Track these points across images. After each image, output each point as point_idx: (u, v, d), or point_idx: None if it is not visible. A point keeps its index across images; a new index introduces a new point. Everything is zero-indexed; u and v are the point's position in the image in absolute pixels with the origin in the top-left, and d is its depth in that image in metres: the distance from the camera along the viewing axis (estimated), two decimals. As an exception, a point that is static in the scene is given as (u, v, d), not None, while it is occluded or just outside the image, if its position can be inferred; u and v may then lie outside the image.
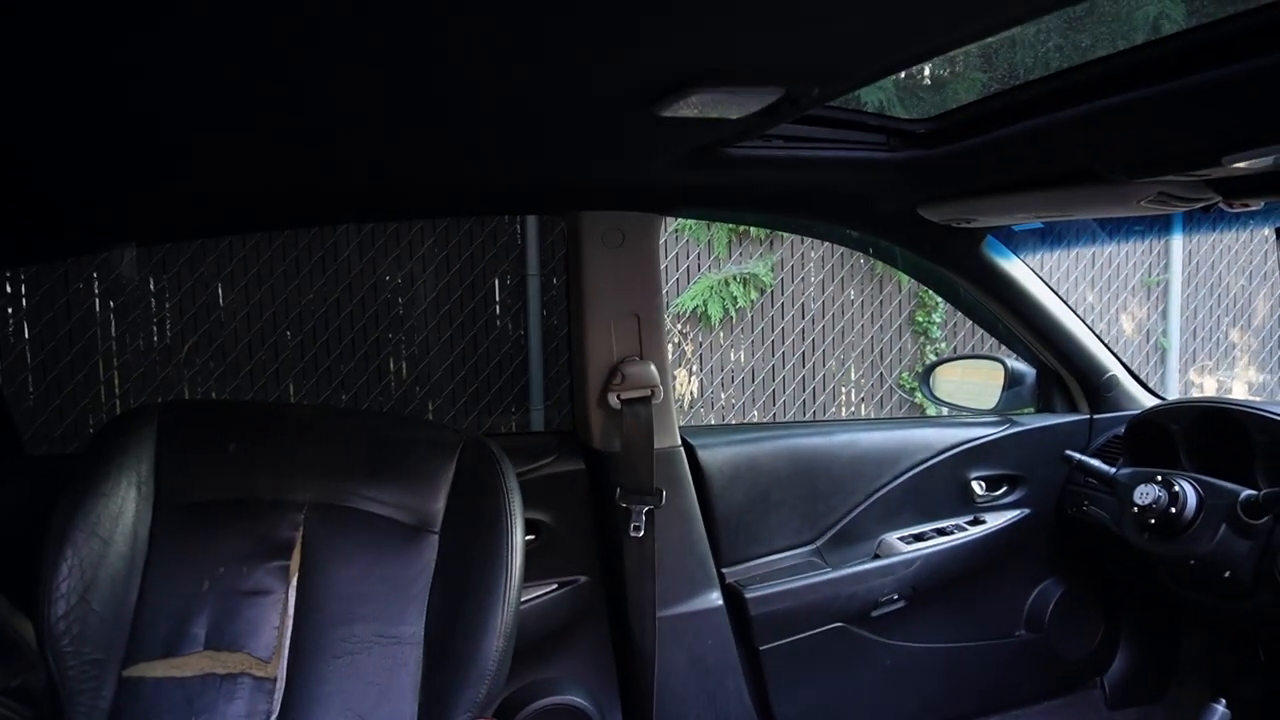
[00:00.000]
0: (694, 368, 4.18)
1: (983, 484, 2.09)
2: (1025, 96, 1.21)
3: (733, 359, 4.23)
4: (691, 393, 4.16)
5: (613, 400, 1.72)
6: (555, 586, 1.80)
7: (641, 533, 1.70)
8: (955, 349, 4.42)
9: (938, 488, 2.04)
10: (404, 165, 1.29)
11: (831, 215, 1.75)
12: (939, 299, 4.32)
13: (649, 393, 1.72)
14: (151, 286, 3.71)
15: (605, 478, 1.78)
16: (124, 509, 1.31)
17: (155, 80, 0.81)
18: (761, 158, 1.32)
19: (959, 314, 4.36)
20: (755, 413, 4.22)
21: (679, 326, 4.09)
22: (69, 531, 1.26)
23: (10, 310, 3.53)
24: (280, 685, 1.32)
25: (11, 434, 1.57)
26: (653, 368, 1.73)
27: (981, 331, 4.29)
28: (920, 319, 4.38)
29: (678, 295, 4.06)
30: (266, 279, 3.72)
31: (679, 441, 1.82)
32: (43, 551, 1.27)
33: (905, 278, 4.30)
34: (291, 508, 1.39)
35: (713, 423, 4.11)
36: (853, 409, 4.41)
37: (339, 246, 3.72)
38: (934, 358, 4.37)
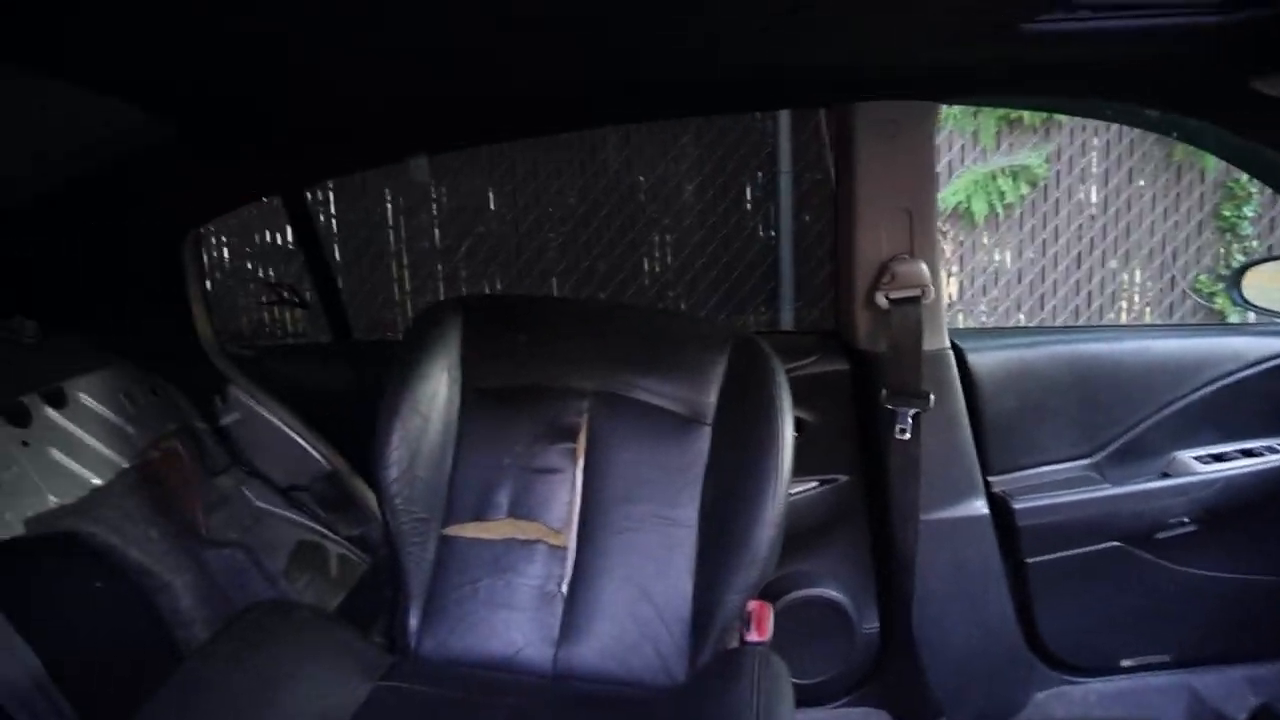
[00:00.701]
0: (953, 269, 3.95)
1: None
2: None
3: (997, 260, 3.95)
4: (950, 295, 3.94)
5: (880, 300, 1.68)
6: (816, 484, 1.83)
7: (908, 435, 1.67)
8: (1270, 248, 3.83)
9: (1247, 405, 1.82)
10: (669, 60, 1.29)
11: (1139, 94, 1.56)
12: (1253, 189, 3.74)
13: (919, 292, 1.66)
14: (432, 193, 4.05)
15: (870, 378, 1.75)
16: (438, 390, 1.47)
17: None
18: (1064, 32, 1.19)
19: (1277, 209, 3.78)
20: (1020, 318, 3.94)
21: (939, 225, 3.86)
22: (398, 407, 1.44)
23: (321, 216, 4.00)
24: (571, 553, 1.46)
25: (343, 322, 1.81)
26: (923, 266, 1.66)
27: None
28: (1227, 213, 3.82)
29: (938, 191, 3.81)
30: (531, 182, 3.93)
31: (948, 344, 1.75)
32: (376, 424, 1.47)
33: (1210, 164, 3.75)
34: (576, 395, 1.50)
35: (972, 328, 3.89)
36: (1134, 316, 3.99)
37: (597, 148, 3.84)
38: (1242, 258, 3.82)
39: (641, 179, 3.91)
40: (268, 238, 4.00)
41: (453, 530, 1.47)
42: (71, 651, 1.30)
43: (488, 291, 4.08)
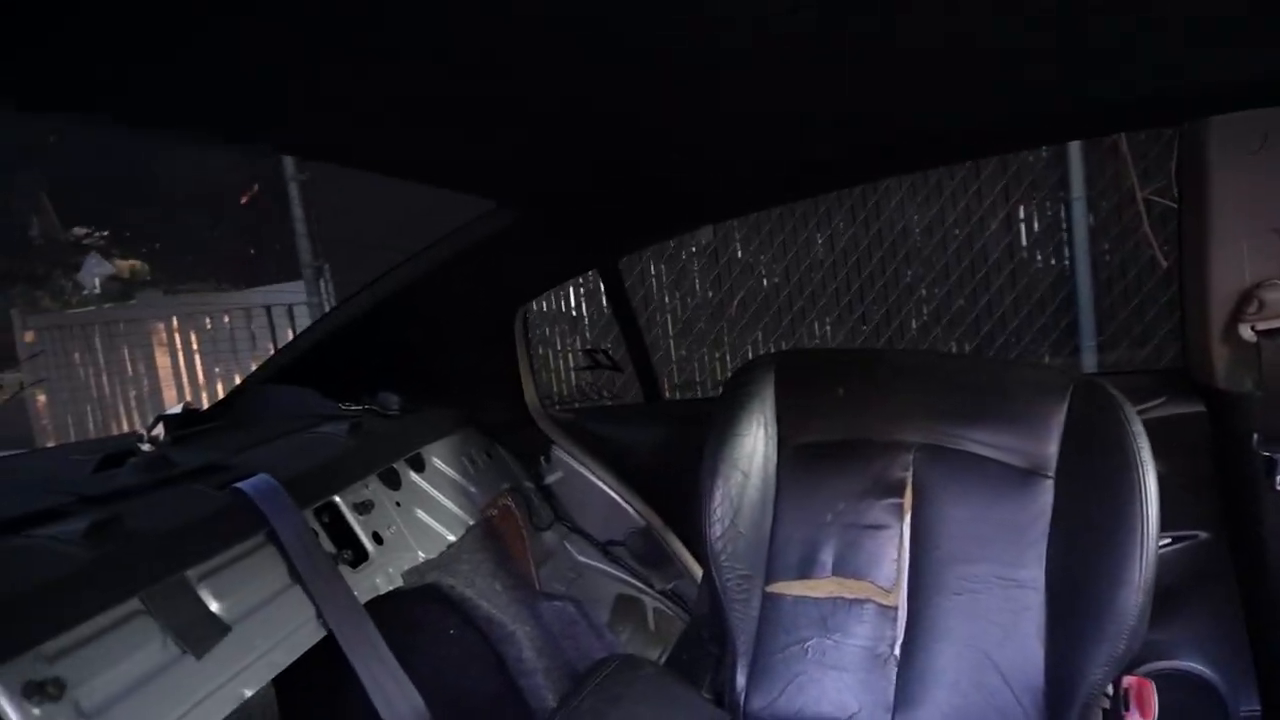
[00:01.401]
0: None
1: None
2: None
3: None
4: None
5: (1244, 332, 1.47)
6: (1168, 541, 1.62)
7: (1290, 486, 1.45)
8: None
9: None
10: (1012, 100, 1.23)
11: None
12: None
13: (1295, 321, 1.44)
14: (693, 250, 4.18)
15: (1233, 421, 1.54)
16: (756, 447, 1.48)
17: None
18: None
19: None
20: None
21: None
22: (718, 465, 1.46)
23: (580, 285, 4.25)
24: (902, 614, 1.39)
25: (653, 383, 1.88)
26: None
27: None
28: None
29: None
30: (801, 232, 3.94)
31: (1335, 378, 1.50)
32: (698, 481, 1.50)
33: None
34: (901, 449, 1.45)
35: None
36: None
37: (866, 193, 3.77)
38: None
39: (916, 217, 3.78)
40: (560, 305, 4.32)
41: (777, 588, 1.46)
42: (438, 694, 1.42)
43: (754, 343, 4.11)
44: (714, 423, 1.50)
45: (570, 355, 4.17)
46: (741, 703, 1.43)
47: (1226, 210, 1.45)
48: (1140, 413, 1.56)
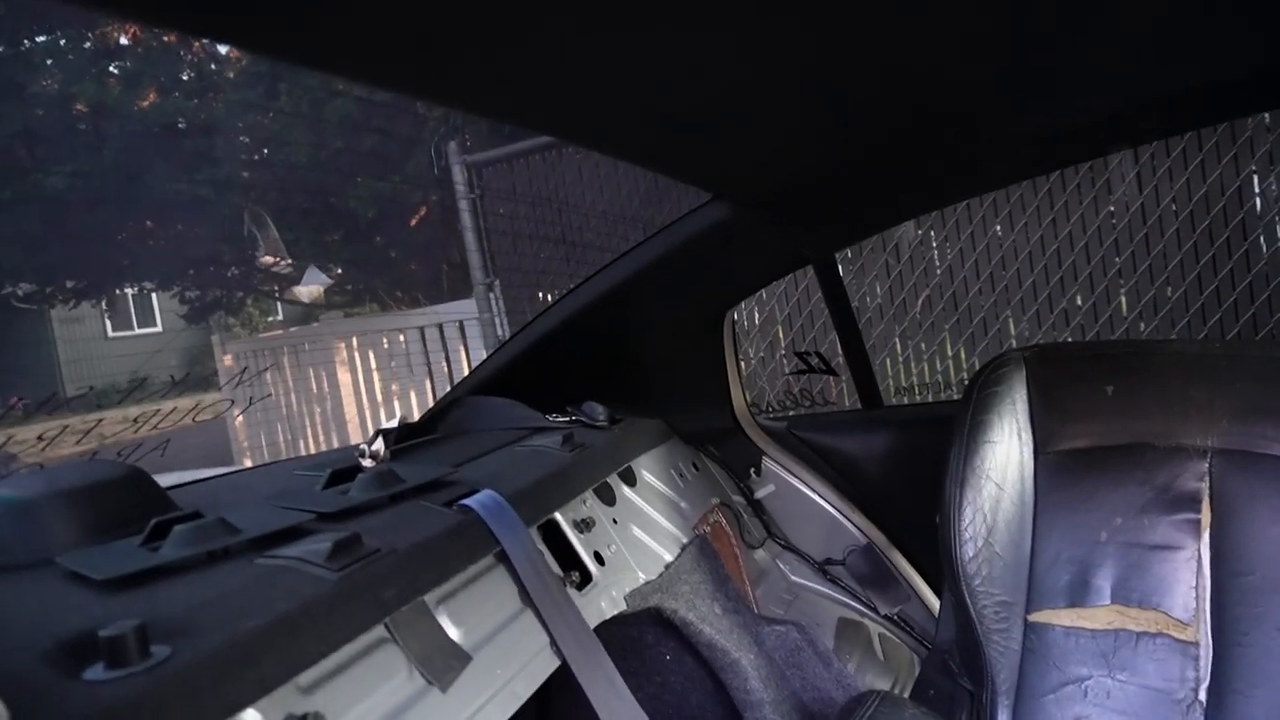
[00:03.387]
0: None
1: None
2: None
3: None
4: None
5: None
6: None
7: None
8: None
9: None
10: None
11: None
12: None
13: None
14: (869, 249, 3.96)
15: None
16: (1009, 455, 1.32)
17: None
18: None
19: None
20: None
21: None
22: (966, 475, 1.31)
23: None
24: (1205, 651, 1.19)
25: (873, 388, 1.74)
26: None
27: None
28: None
29: None
30: (991, 220, 3.67)
31: None
32: (942, 494, 1.35)
33: None
34: (1191, 455, 1.25)
35: None
36: None
37: (1066, 176, 3.47)
38: None
39: (1124, 198, 3.45)
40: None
41: (1042, 616, 1.29)
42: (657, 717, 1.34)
43: (934, 342, 3.85)
44: (958, 429, 1.36)
45: (765, 359, 4.04)
46: (1007, 747, 1.27)
47: None
48: None
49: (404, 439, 1.52)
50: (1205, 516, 1.23)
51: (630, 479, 1.56)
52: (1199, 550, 1.22)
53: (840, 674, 1.58)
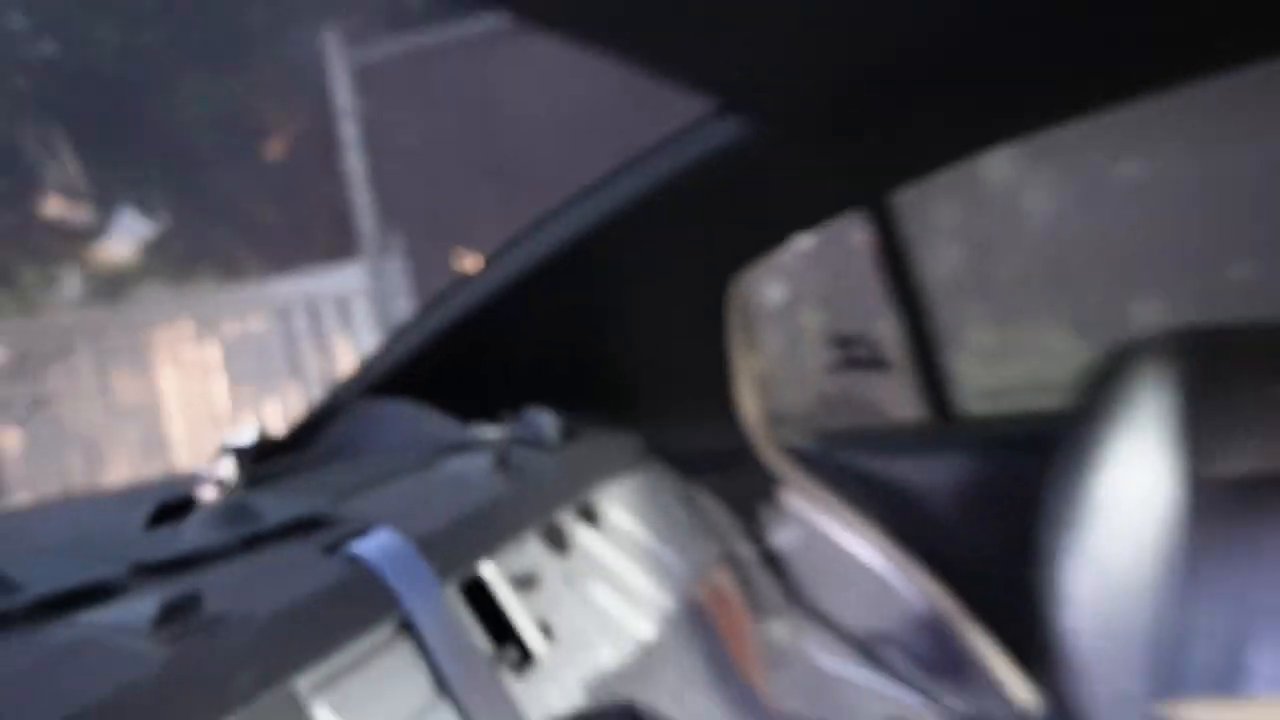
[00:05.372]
0: None
1: None
2: None
3: None
4: None
5: None
6: None
7: None
8: None
9: None
10: None
11: None
12: None
13: None
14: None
15: None
16: (1143, 485, 1.36)
17: None
18: None
19: None
20: None
21: None
22: (1075, 514, 1.35)
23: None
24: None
25: (944, 391, 1.78)
26: None
27: None
28: None
29: None
30: (1111, 159, 3.74)
31: None
32: (1035, 543, 1.39)
33: None
34: None
35: None
36: None
37: (1222, 98, 3.53)
38: None
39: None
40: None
41: (1182, 712, 1.33)
42: None
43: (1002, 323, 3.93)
44: (1065, 447, 1.40)
45: (789, 352, 4.06)
46: None
47: None
48: None
49: (263, 459, 1.53)
50: None
51: (592, 518, 1.58)
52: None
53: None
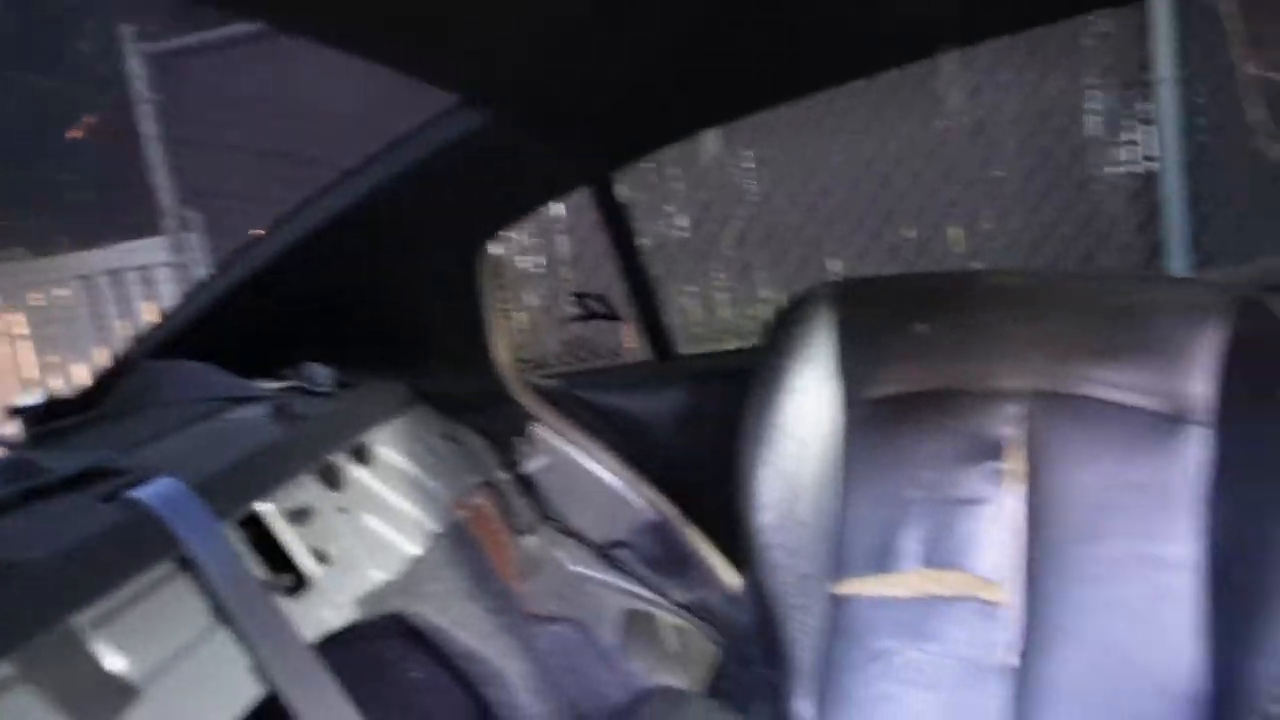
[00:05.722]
0: None
1: None
2: None
3: None
4: None
5: None
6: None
7: None
8: None
9: None
10: None
11: None
12: None
13: None
14: (680, 172, 4.09)
15: None
16: (815, 407, 1.43)
17: None
18: None
19: None
20: None
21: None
22: (764, 433, 1.41)
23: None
24: (1016, 612, 1.35)
25: (665, 336, 1.81)
26: None
27: None
28: None
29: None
30: (811, 140, 3.87)
31: None
32: (737, 456, 1.44)
33: None
34: (1006, 398, 1.40)
35: None
36: None
37: (892, 87, 3.70)
38: None
39: (961, 116, 3.73)
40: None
41: (847, 587, 1.42)
42: None
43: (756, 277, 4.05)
44: (757, 379, 1.44)
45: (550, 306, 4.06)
46: (810, 739, 1.38)
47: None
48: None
49: (50, 419, 1.42)
50: (1018, 466, 1.38)
51: (364, 457, 1.55)
52: (1012, 503, 1.37)
53: (626, 675, 1.66)
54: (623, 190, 1.71)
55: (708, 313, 4.12)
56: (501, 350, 1.77)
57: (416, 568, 1.48)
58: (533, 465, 1.82)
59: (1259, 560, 1.21)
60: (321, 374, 1.59)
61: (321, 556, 1.33)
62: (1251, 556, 1.22)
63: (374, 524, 1.48)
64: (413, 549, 1.50)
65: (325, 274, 1.65)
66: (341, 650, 1.30)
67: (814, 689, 1.40)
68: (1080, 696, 1.30)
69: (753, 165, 4.02)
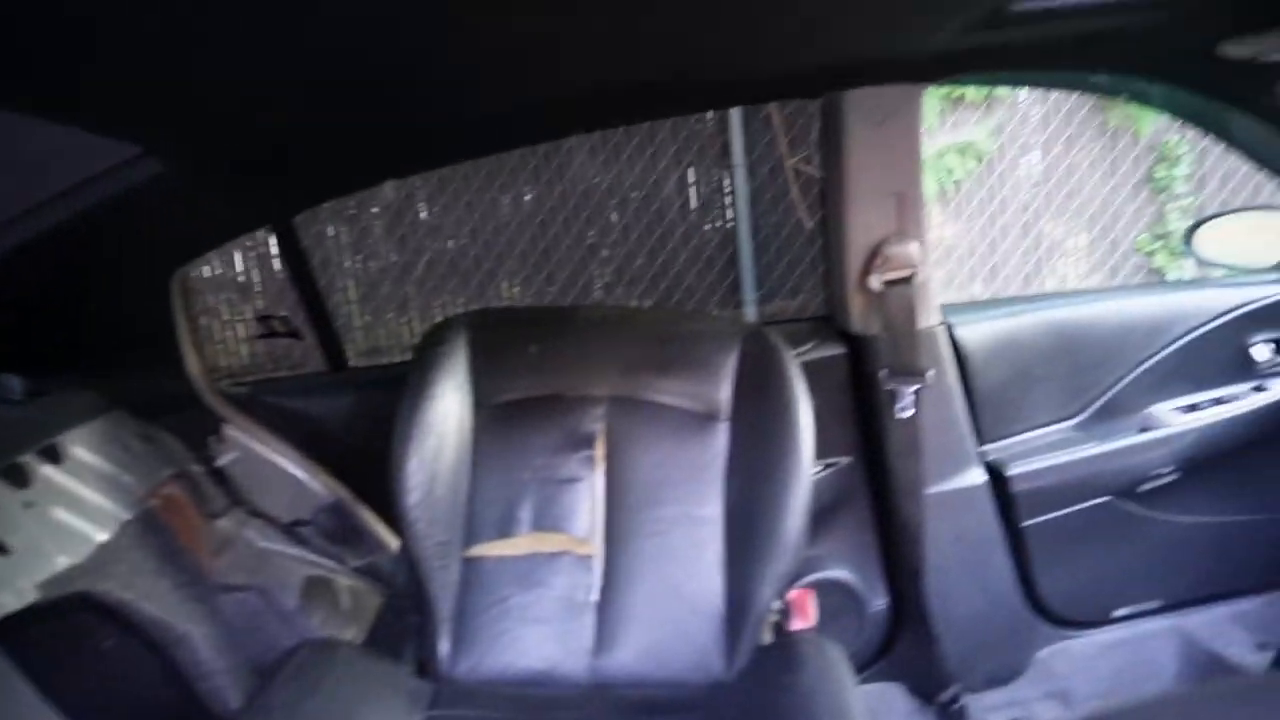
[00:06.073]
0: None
1: (1270, 347, 1.92)
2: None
3: (949, 234, 4.03)
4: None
5: (874, 283, 1.70)
6: (820, 468, 1.84)
7: (909, 413, 1.70)
8: (1203, 206, 3.99)
9: (1214, 355, 1.90)
10: (673, 66, 1.30)
11: (1115, 64, 1.61)
12: (1183, 150, 3.89)
13: (911, 273, 1.69)
14: (375, 211, 3.99)
15: (866, 361, 1.78)
16: (450, 410, 1.46)
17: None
18: (1051, 9, 1.23)
19: (1207, 166, 3.93)
20: (977, 288, 4.04)
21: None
22: (411, 431, 1.42)
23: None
24: (599, 561, 1.45)
25: (338, 350, 1.77)
26: (914, 246, 1.69)
27: (1234, 184, 3.87)
28: (1160, 174, 3.96)
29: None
30: (488, 192, 3.90)
31: (940, 320, 1.78)
32: (390, 449, 1.44)
33: (1144, 129, 3.89)
34: (593, 402, 1.50)
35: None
36: (1082, 279, 4.12)
37: (549, 154, 3.82)
38: (1178, 215, 3.97)
39: (597, 179, 3.91)
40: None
41: (476, 551, 1.46)
42: (101, 715, 1.25)
43: (444, 304, 4.03)
44: (407, 387, 1.45)
45: (240, 325, 3.81)
46: (447, 670, 1.41)
47: (858, 176, 1.66)
48: (795, 357, 1.76)
49: None
50: (600, 452, 1.49)
51: (55, 457, 1.40)
52: (596, 480, 1.48)
53: (303, 631, 1.61)
54: (332, 228, 1.66)
55: (409, 330, 4.05)
56: (194, 361, 1.67)
57: (103, 551, 1.36)
58: (224, 459, 1.72)
59: (757, 513, 1.39)
60: (12, 382, 1.42)
61: (2, 548, 1.20)
62: (752, 511, 1.40)
63: (62, 515, 1.34)
64: (100, 535, 1.38)
65: (22, 294, 1.47)
66: (32, 629, 1.18)
67: (450, 630, 1.43)
68: (644, 619, 1.42)
69: (439, 210, 4.00)
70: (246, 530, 1.74)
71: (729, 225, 3.89)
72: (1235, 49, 1.44)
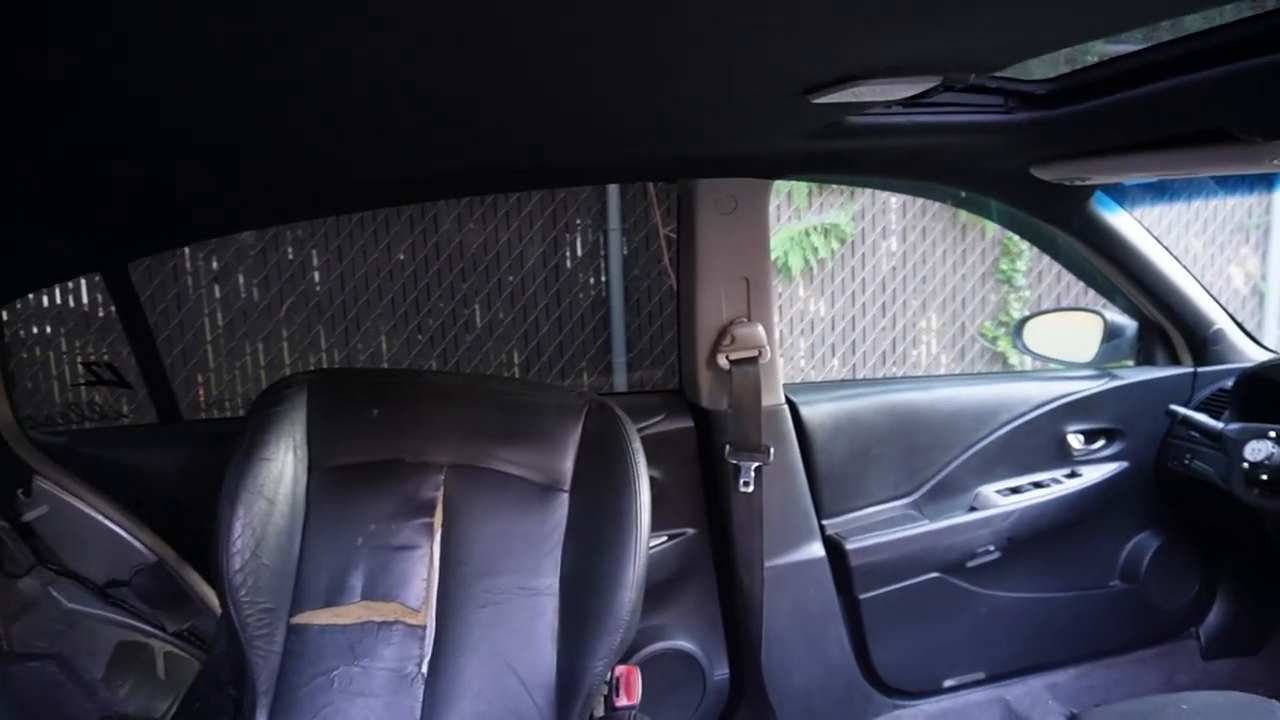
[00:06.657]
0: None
1: (1081, 437, 2.10)
2: (1158, 58, 1.20)
3: (812, 309, 4.23)
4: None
5: (722, 361, 1.77)
6: (665, 539, 1.88)
7: (750, 488, 1.77)
8: (1040, 298, 4.35)
9: (1035, 442, 2.06)
10: (534, 149, 1.34)
11: (944, 177, 1.76)
12: (1024, 246, 4.25)
13: (757, 353, 1.77)
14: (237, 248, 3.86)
15: (713, 435, 1.84)
16: (284, 471, 1.41)
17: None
18: (882, 125, 1.34)
19: (1044, 262, 4.29)
20: (835, 363, 4.24)
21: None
22: (239, 492, 1.37)
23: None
24: (430, 631, 1.42)
25: (171, 402, 1.69)
26: (760, 329, 1.77)
27: (1069, 278, 4.22)
28: (1004, 267, 4.31)
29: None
30: (359, 238, 3.84)
31: (784, 399, 1.87)
32: (217, 510, 1.38)
33: (990, 226, 4.23)
34: (433, 469, 1.48)
35: (791, 375, 4.14)
36: (933, 358, 4.40)
37: (427, 206, 3.80)
38: (1018, 306, 4.31)
39: (474, 236, 3.91)
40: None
41: (302, 618, 1.41)
42: None
43: (313, 354, 3.91)
44: (238, 446, 1.40)
45: (70, 366, 3.58)
46: (262, 746, 1.35)
47: (709, 259, 1.74)
48: (643, 429, 1.80)
49: None
50: (438, 520, 1.47)
51: None
52: (432, 548, 1.46)
53: (107, 702, 1.51)
54: (190, 263, 1.59)
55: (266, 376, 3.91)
56: (2, 406, 1.56)
57: None
58: (31, 513, 1.60)
59: (592, 586, 1.40)
60: None
61: None
62: (587, 584, 1.41)
63: None
64: None
65: None
66: None
67: (268, 704, 1.37)
68: (473, 691, 1.40)
69: (306, 253, 3.91)
70: (53, 590, 1.62)
71: (603, 288, 3.96)
72: (1043, 173, 1.60)
